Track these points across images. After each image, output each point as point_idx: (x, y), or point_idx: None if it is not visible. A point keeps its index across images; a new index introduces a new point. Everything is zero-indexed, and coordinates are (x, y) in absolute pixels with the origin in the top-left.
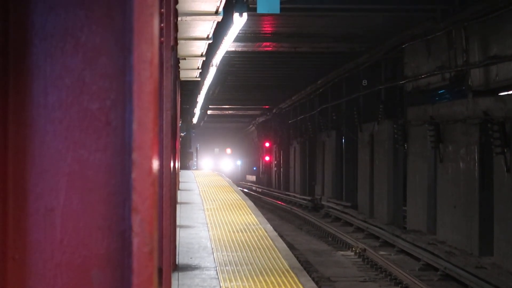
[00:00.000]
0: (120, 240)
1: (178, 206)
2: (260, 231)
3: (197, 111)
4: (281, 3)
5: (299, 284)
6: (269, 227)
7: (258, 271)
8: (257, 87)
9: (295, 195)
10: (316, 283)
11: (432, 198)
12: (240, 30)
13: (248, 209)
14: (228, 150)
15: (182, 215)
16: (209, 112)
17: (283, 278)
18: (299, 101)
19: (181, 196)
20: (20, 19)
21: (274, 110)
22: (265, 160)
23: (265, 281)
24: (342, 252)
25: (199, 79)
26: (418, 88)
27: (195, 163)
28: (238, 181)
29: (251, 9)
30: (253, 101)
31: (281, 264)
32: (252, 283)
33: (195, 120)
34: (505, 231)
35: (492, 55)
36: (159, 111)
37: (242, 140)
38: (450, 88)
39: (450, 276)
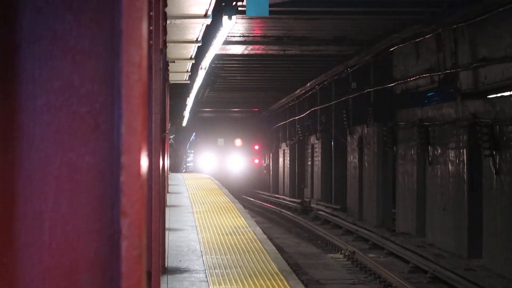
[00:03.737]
0: (109, 243)
1: (167, 209)
2: (249, 234)
3: (187, 114)
4: (270, 6)
5: (289, 287)
6: (258, 230)
7: (247, 274)
8: (246, 90)
9: (285, 197)
10: (306, 286)
11: (421, 200)
12: (229, 33)
13: (237, 211)
14: (238, 142)
15: (171, 218)
16: (198, 115)
17: (273, 281)
18: (288, 104)
19: (170, 199)
20: (8, 22)
21: (264, 113)
22: (254, 163)
23: (255, 284)
24: (331, 255)
25: (189, 82)
26: (407, 90)
27: (184, 166)
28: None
29: (240, 12)
30: (242, 104)
31: (270, 267)
32: (241, 286)
33: (184, 123)
34: (494, 233)
35: (481, 57)
36: (148, 114)
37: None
38: (439, 90)
39: (439, 278)
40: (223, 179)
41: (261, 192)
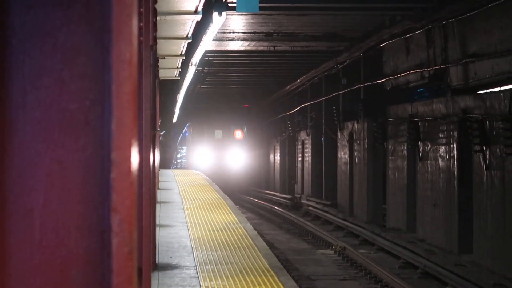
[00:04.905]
0: (100, 240)
1: (157, 206)
2: (240, 230)
3: (177, 110)
4: (260, 2)
5: (279, 283)
6: (249, 226)
7: (238, 270)
8: (236, 86)
9: (275, 193)
10: (296, 282)
11: (411, 196)
12: (219, 29)
13: (228, 208)
14: (239, 134)
15: (161, 215)
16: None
17: (263, 277)
18: (278, 100)
19: (160, 195)
20: None
21: (254, 109)
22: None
23: (245, 280)
24: (322, 251)
25: (179, 78)
26: (398, 86)
27: (175, 162)
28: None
29: (230, 8)
30: (232, 100)
31: (261, 263)
32: (232, 282)
33: (175, 119)
34: (484, 229)
35: (471, 53)
36: (138, 110)
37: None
38: (429, 86)
39: (430, 274)
40: (221, 177)
41: (265, 191)
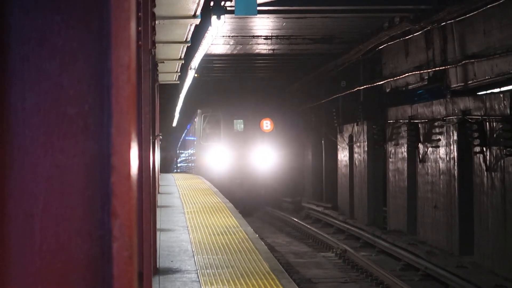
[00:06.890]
0: (100, 244)
1: (158, 210)
2: (240, 234)
3: (177, 114)
4: (258, 5)
5: (280, 286)
6: (249, 229)
7: (239, 274)
8: (236, 89)
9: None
10: (298, 285)
11: (412, 198)
12: (218, 32)
13: (229, 211)
14: (267, 124)
15: (162, 219)
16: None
17: (264, 280)
18: (278, 103)
19: (161, 199)
20: None
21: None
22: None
23: (246, 283)
24: (323, 254)
25: (178, 82)
26: (397, 88)
27: (175, 166)
28: None
29: (229, 12)
30: (232, 102)
31: (262, 267)
32: (233, 285)
33: (174, 123)
34: (485, 230)
35: (470, 54)
36: (138, 115)
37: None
38: (429, 88)
39: (431, 276)
40: (243, 184)
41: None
